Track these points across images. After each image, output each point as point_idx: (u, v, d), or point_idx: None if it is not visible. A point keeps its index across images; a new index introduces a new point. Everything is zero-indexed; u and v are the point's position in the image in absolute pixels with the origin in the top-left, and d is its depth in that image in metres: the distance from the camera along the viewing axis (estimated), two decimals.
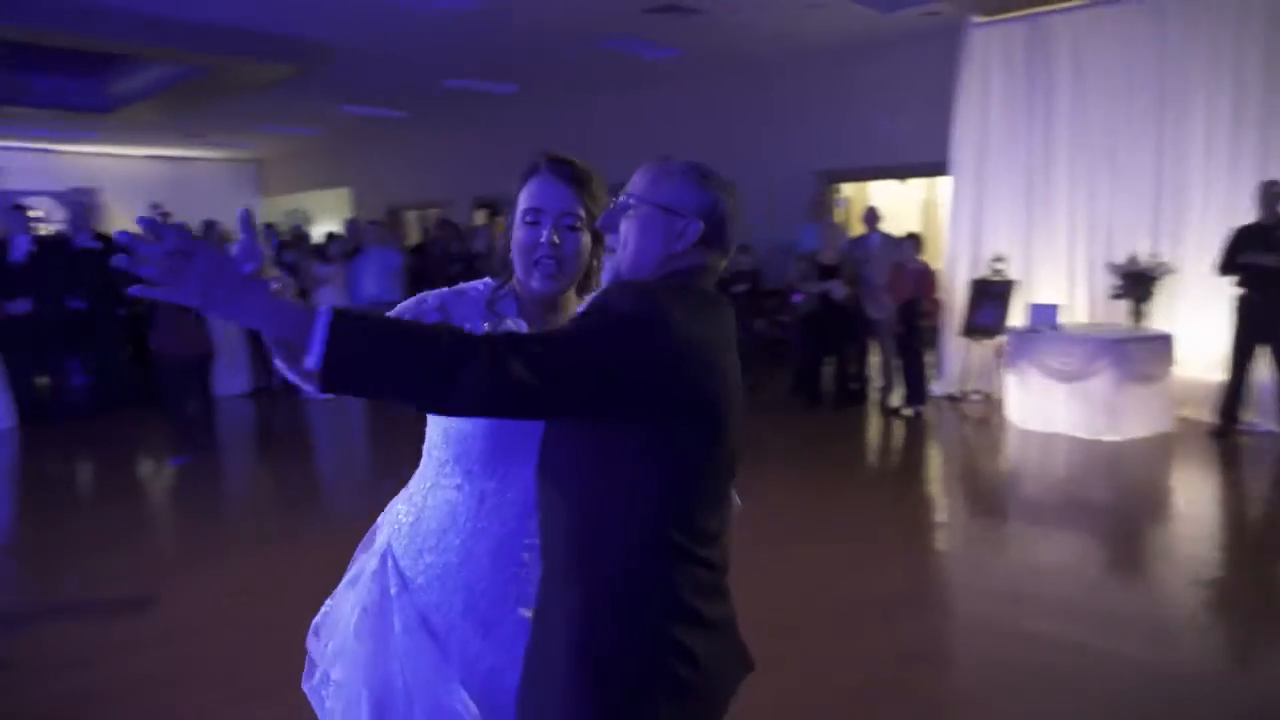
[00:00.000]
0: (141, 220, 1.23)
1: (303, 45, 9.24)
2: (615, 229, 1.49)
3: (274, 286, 1.23)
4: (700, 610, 1.41)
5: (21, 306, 7.22)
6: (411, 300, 1.71)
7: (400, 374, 1.22)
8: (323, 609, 1.80)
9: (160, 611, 3.85)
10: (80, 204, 10.92)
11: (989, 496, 5.80)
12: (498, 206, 14.95)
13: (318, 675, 1.75)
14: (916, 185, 11.38)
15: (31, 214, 8.32)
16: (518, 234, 1.61)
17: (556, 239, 1.58)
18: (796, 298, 8.14)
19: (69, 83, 11.43)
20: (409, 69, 10.39)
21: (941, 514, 5.38)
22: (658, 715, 1.36)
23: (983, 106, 7.99)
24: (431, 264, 10.14)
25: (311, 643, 1.78)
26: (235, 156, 18.48)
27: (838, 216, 10.20)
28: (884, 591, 3.97)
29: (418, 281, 9.91)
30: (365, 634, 1.65)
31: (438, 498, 1.67)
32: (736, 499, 1.65)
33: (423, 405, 1.28)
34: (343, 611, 1.73)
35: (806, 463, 6.28)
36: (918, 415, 7.46)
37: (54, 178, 16.52)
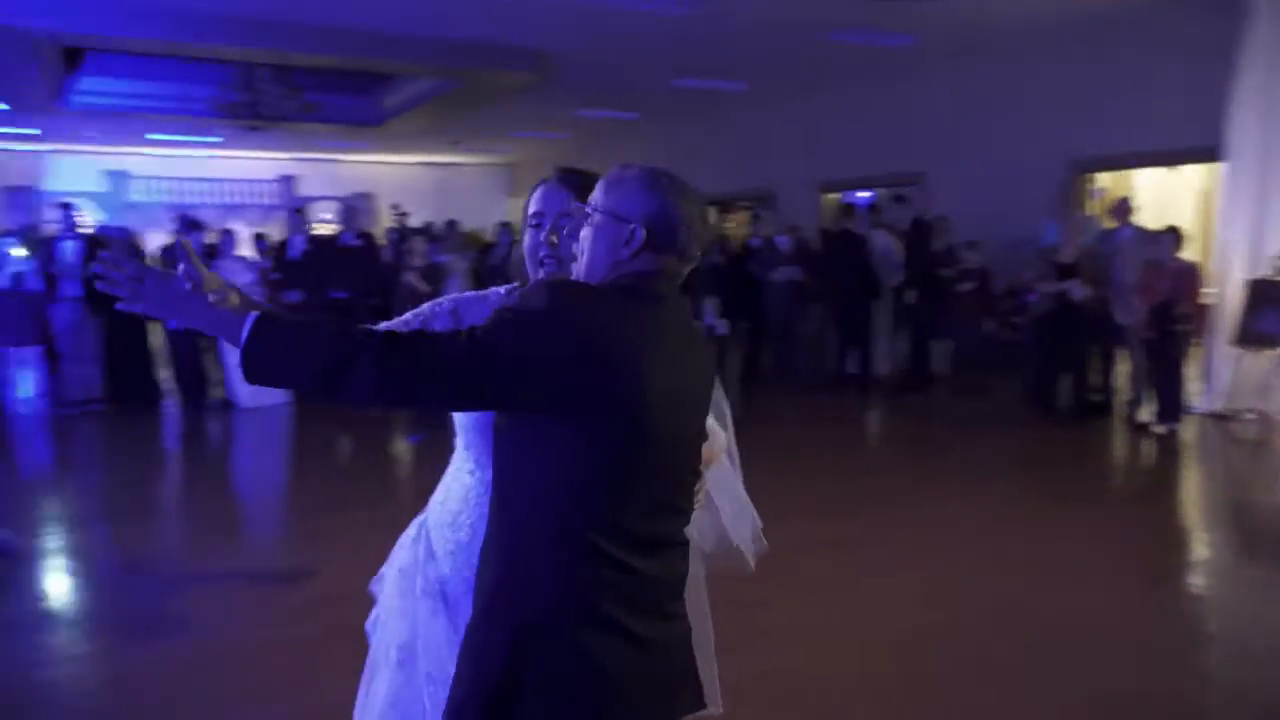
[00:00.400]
0: (103, 255, 1.47)
1: (537, 54, 9.78)
2: (577, 237, 1.53)
3: (212, 299, 1.40)
4: (622, 622, 1.39)
5: (293, 297, 8.25)
6: (427, 305, 1.84)
7: (304, 367, 1.38)
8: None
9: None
10: (351, 207, 12.26)
11: (1260, 535, 4.95)
12: (729, 205, 15.03)
13: (371, 618, 1.96)
14: (1192, 173, 10.05)
15: (312, 216, 9.50)
16: (525, 238, 1.71)
17: (554, 239, 1.66)
18: (1031, 298, 7.48)
19: (349, 100, 12.89)
20: (638, 71, 10.68)
21: (1199, 552, 4.67)
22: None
23: (1268, 80, 6.89)
24: None
25: (375, 588, 1.99)
26: (491, 161, 19.98)
27: (1091, 209, 9.24)
28: (1121, 637, 3.48)
29: None
30: (397, 592, 1.85)
31: (459, 481, 1.82)
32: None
33: (326, 395, 1.38)
34: (392, 568, 1.92)
35: (1033, 481, 5.72)
36: (1172, 434, 6.59)
37: (338, 184, 18.74)
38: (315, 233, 9.86)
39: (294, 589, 4.10)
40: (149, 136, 15.27)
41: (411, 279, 8.38)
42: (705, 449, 1.66)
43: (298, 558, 4.55)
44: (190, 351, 8.21)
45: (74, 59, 11.21)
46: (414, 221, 13.65)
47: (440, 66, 10.12)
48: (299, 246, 8.58)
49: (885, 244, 8.79)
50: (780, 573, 4.16)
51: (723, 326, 9.43)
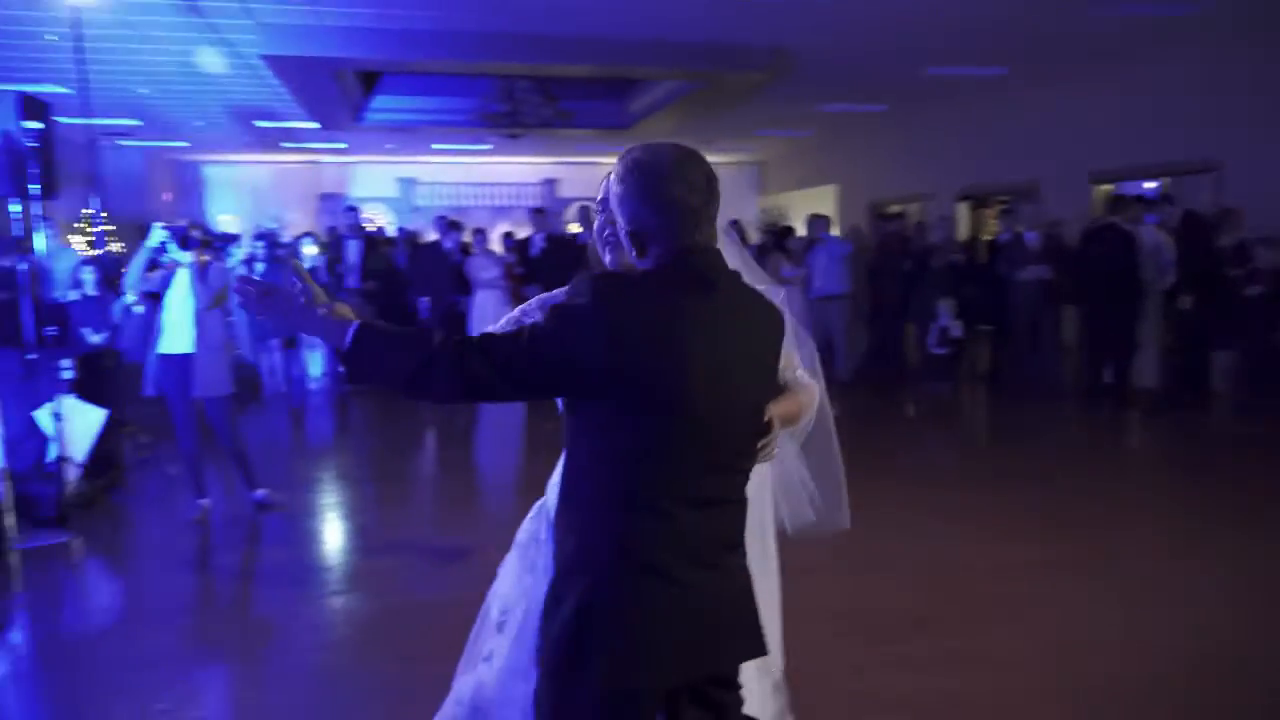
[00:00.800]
0: (240, 279, 1.70)
1: (774, 52, 9.72)
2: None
3: (322, 311, 1.60)
4: (668, 567, 1.54)
5: (533, 290, 8.85)
6: (529, 303, 2.05)
7: (393, 368, 1.56)
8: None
9: None
10: (585, 208, 12.85)
11: None
12: (985, 200, 14.06)
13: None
14: None
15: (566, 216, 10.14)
16: (596, 224, 1.87)
17: (616, 221, 1.77)
18: None
19: (600, 106, 13.55)
20: (886, 61, 10.28)
21: None
22: (598, 635, 1.53)
23: None
24: (883, 259, 9.97)
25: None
26: (741, 160, 20.13)
27: None
28: None
29: (872, 277, 9.82)
30: (515, 563, 2.07)
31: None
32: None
33: (413, 393, 1.57)
34: (517, 543, 2.13)
35: None
36: None
37: (595, 186, 19.73)
38: (554, 232, 10.49)
39: None
40: (434, 146, 17.01)
41: None
42: (790, 402, 1.81)
43: None
44: None
45: (371, 81, 12.76)
46: None
47: (682, 69, 10.38)
48: (539, 244, 9.19)
49: (1155, 240, 7.81)
50: (976, 595, 3.90)
51: (957, 329, 8.89)
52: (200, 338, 4.97)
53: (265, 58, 9.10)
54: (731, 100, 11.95)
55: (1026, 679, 3.19)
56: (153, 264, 5.04)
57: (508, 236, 10.75)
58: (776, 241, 9.81)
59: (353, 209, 9.79)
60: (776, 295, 1.92)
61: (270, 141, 16.08)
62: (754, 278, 1.93)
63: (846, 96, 12.42)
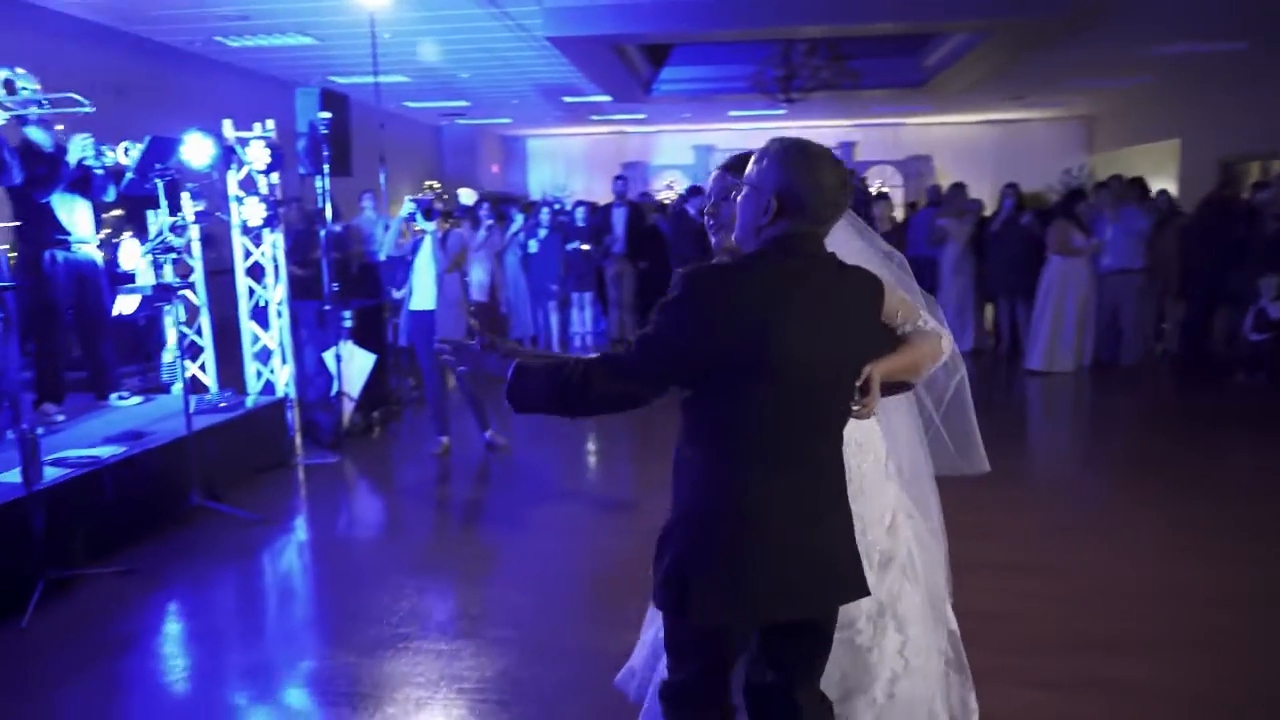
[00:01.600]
0: (438, 342, 2.12)
1: None
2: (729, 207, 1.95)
3: (499, 352, 1.97)
4: (763, 519, 1.75)
5: None
6: None
7: (541, 399, 1.83)
8: None
9: None
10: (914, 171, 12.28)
11: None
12: None
13: None
14: None
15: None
16: (707, 207, 2.15)
17: (714, 211, 2.11)
18: None
19: (889, 64, 12.93)
20: None
21: None
22: (696, 571, 1.77)
23: None
24: (1206, 227, 8.52)
25: None
26: (1063, 115, 18.10)
27: None
28: None
29: (1188, 248, 8.48)
30: None
31: None
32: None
33: (567, 413, 1.84)
34: None
35: None
36: None
37: (896, 148, 18.86)
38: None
39: None
40: (730, 114, 17.28)
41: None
42: (902, 356, 1.91)
43: None
44: None
45: (661, 54, 13.28)
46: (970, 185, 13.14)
47: (974, 20, 9.59)
48: None
49: None
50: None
51: (1276, 309, 7.49)
52: (440, 296, 5.67)
53: (551, 39, 9.86)
54: (1034, 44, 10.78)
55: None
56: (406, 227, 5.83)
57: None
58: (1065, 207, 8.79)
59: (621, 178, 10.34)
60: (890, 260, 2.17)
61: (580, 115, 17.34)
62: (869, 244, 2.19)
63: (1192, 34, 10.63)
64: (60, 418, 5.09)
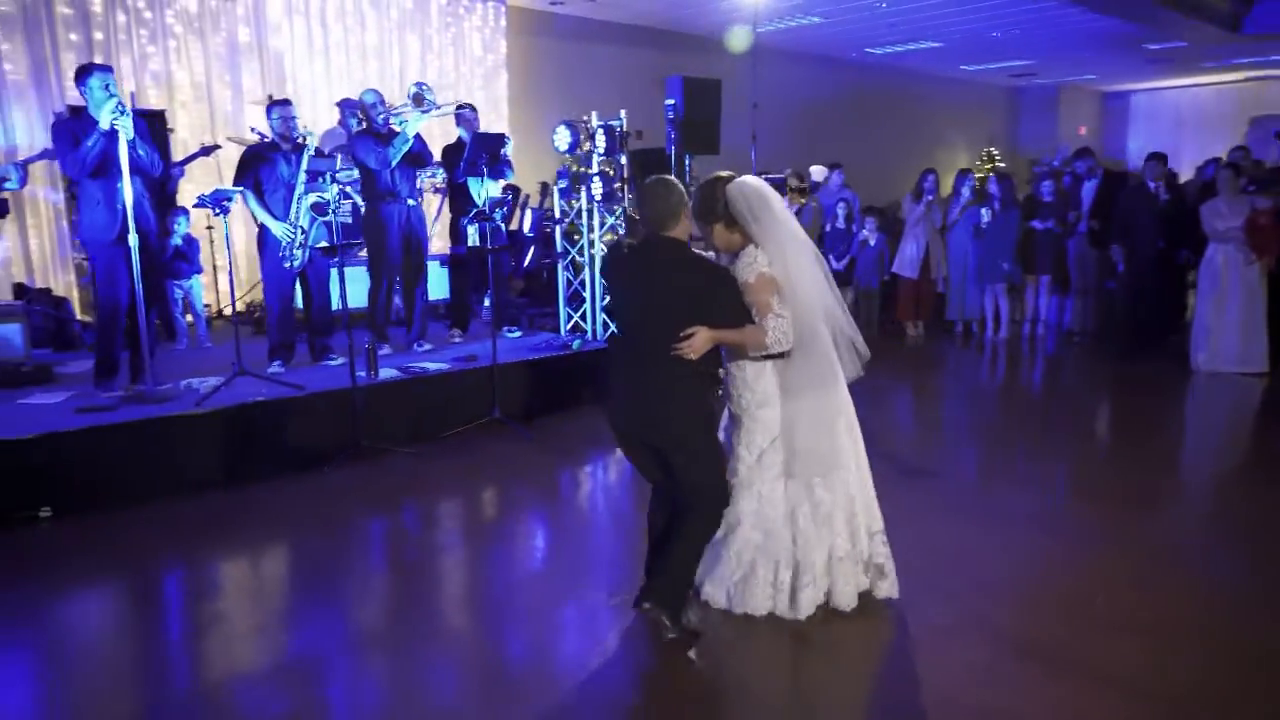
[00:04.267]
0: None
1: None
2: None
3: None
4: (614, 385, 3.29)
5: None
6: None
7: None
8: None
9: None
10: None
11: None
12: None
13: None
14: None
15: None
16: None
17: None
18: None
19: None
20: None
21: None
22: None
23: None
24: None
25: None
26: None
27: None
28: None
29: None
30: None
31: None
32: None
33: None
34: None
35: None
36: None
37: None
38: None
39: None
40: None
41: None
42: (733, 332, 3.07)
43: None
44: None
45: None
46: None
47: None
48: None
49: None
50: None
51: None
52: None
53: None
54: None
55: None
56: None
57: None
58: None
59: (1085, 150, 8.72)
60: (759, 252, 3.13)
61: (1187, 64, 14.55)
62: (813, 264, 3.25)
63: None
64: (457, 339, 6.94)
